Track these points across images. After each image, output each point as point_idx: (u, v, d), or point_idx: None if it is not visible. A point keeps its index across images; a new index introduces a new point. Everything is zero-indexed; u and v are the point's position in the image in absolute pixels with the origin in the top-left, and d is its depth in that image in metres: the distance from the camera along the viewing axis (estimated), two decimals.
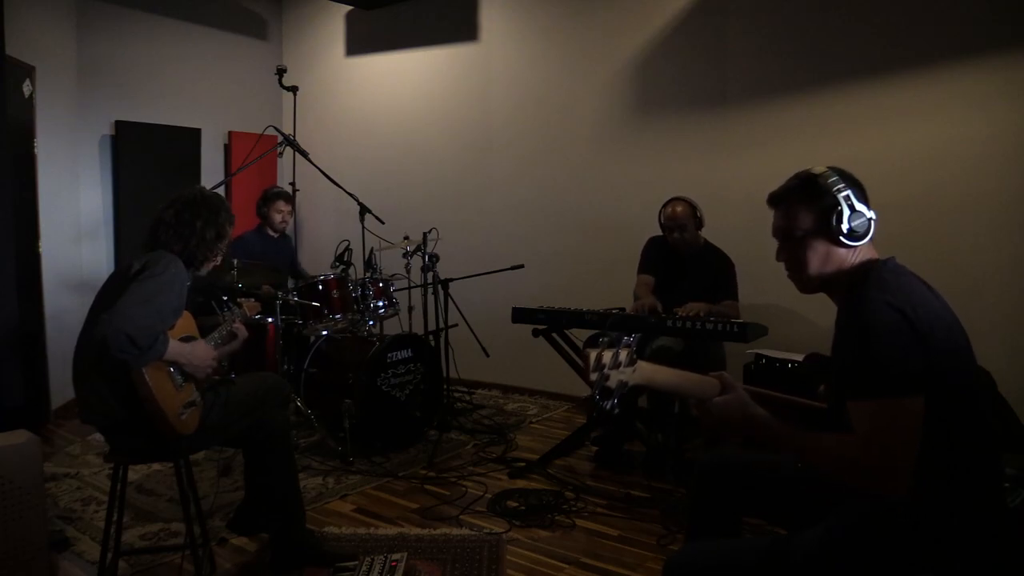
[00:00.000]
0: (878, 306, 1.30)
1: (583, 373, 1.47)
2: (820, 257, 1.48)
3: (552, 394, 4.84)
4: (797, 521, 1.51)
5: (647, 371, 1.50)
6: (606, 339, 1.49)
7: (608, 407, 1.47)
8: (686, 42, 4.28)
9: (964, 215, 3.44)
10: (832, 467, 1.33)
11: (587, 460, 3.64)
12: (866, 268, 1.44)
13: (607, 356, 1.45)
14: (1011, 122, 3.32)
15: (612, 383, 1.45)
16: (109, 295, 2.15)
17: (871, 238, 1.46)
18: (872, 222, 1.45)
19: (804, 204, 1.49)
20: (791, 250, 1.52)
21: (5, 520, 2.26)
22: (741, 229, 3.73)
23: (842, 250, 1.46)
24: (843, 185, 1.45)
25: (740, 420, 1.46)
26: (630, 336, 1.49)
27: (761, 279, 3.73)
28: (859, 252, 1.47)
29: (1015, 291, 3.33)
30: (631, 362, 1.47)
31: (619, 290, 3.89)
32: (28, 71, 4.12)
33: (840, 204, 1.44)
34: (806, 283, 1.53)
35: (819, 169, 1.49)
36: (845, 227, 1.43)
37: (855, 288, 1.41)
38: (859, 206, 1.44)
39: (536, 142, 4.96)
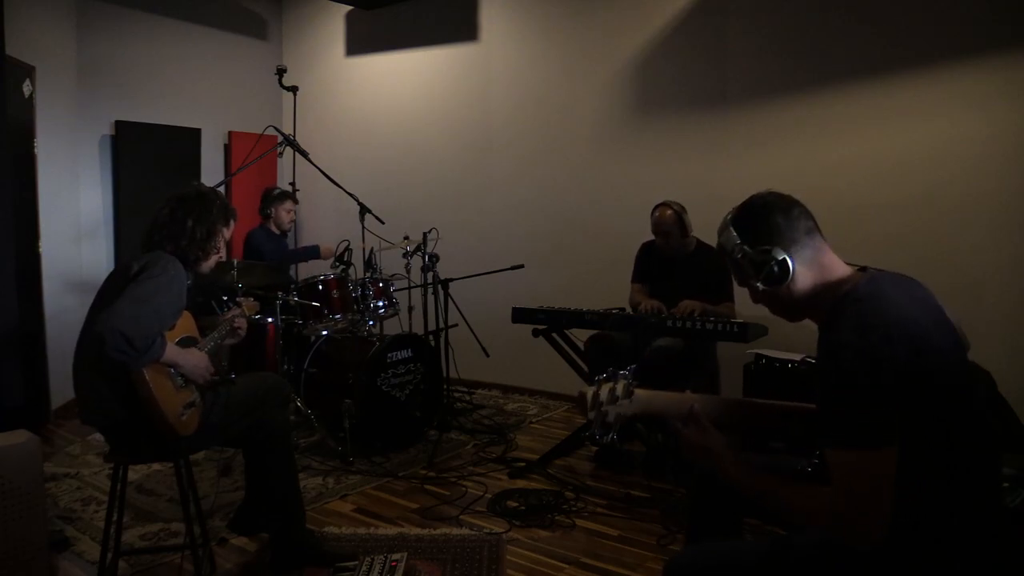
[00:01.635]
0: (849, 351, 1.25)
1: (580, 410, 1.48)
2: (774, 302, 1.47)
3: (552, 394, 4.84)
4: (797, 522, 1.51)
5: (643, 399, 1.51)
6: (601, 376, 1.49)
7: (606, 441, 1.49)
8: (686, 42, 4.28)
9: (964, 215, 3.44)
10: (805, 518, 1.32)
11: (587, 460, 3.64)
12: (835, 294, 1.37)
13: (604, 392, 1.45)
14: (1011, 122, 3.32)
15: (611, 417, 1.46)
16: (108, 295, 2.15)
17: (793, 272, 1.39)
18: (781, 260, 1.38)
19: (728, 265, 1.52)
20: (754, 298, 1.51)
21: (5, 520, 2.26)
22: None
23: (781, 290, 1.41)
24: (739, 242, 1.43)
25: (710, 467, 1.48)
26: (627, 369, 1.50)
27: None
28: (804, 280, 1.40)
29: (1015, 291, 3.33)
30: (628, 394, 1.48)
31: (619, 290, 3.89)
32: (28, 71, 4.12)
33: (740, 264, 1.43)
34: (782, 315, 1.52)
35: (725, 219, 1.47)
36: (758, 285, 1.42)
37: (829, 322, 1.34)
38: (757, 255, 1.40)
39: (536, 142, 4.96)
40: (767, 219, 1.42)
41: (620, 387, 1.47)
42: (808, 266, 1.40)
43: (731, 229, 1.45)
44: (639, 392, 1.50)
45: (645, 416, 1.53)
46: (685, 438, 1.50)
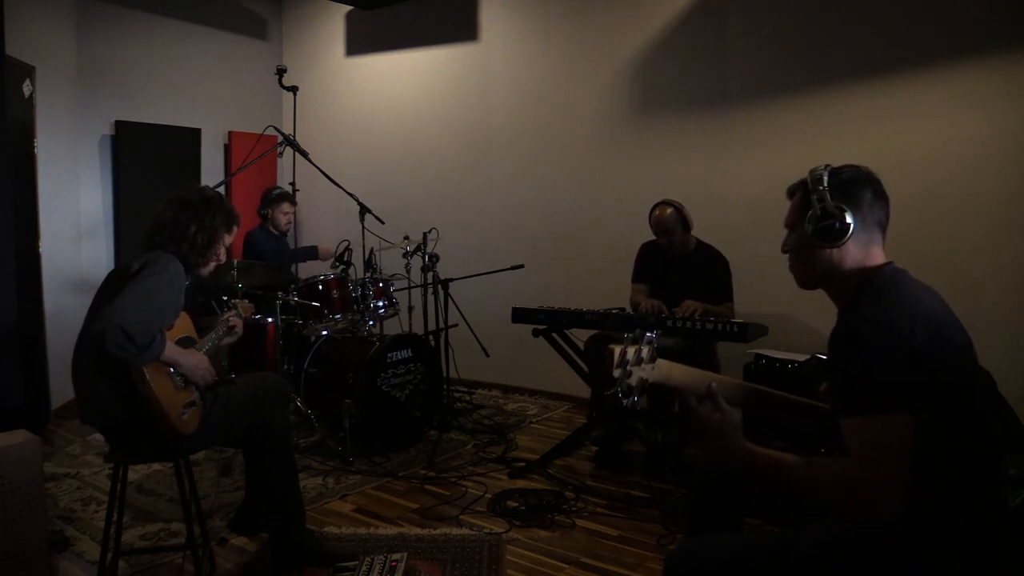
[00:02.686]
0: (870, 325, 1.30)
1: (605, 368, 1.46)
2: (802, 256, 1.49)
3: (552, 394, 4.84)
4: (797, 522, 1.51)
5: (665, 369, 1.50)
6: (630, 335, 1.48)
7: (628, 404, 1.47)
8: (686, 42, 4.28)
9: (964, 215, 3.44)
10: (822, 490, 1.32)
11: (587, 460, 3.64)
12: (862, 277, 1.43)
13: (631, 352, 1.44)
14: (1011, 122, 3.32)
15: (634, 380, 1.45)
16: (108, 294, 2.15)
17: (846, 241, 1.42)
18: (846, 225, 1.42)
19: (797, 200, 1.52)
20: (788, 243, 1.54)
21: (5, 520, 2.26)
22: (741, 229, 3.73)
23: (824, 251, 1.45)
24: (824, 186, 1.44)
25: (723, 450, 1.47)
26: (653, 332, 1.49)
27: (761, 279, 3.73)
28: (848, 255, 1.44)
29: (1015, 291, 3.33)
30: (652, 359, 1.47)
31: (619, 290, 3.89)
32: (28, 71, 4.12)
33: (813, 206, 1.44)
34: (797, 279, 1.55)
35: (818, 168, 1.48)
36: (810, 228, 1.44)
37: (852, 300, 1.40)
38: (833, 207, 1.42)
39: (536, 142, 4.96)
40: (861, 188, 1.46)
41: (646, 351, 1.46)
42: (859, 247, 1.45)
43: (827, 175, 1.46)
44: (662, 362, 1.49)
45: (664, 386, 1.52)
46: (699, 415, 1.49)
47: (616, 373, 1.44)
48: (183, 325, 2.32)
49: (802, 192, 1.51)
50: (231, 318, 2.56)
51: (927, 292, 1.40)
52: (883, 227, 1.48)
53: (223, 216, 2.39)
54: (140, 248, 2.34)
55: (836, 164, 1.51)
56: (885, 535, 1.29)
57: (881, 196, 1.48)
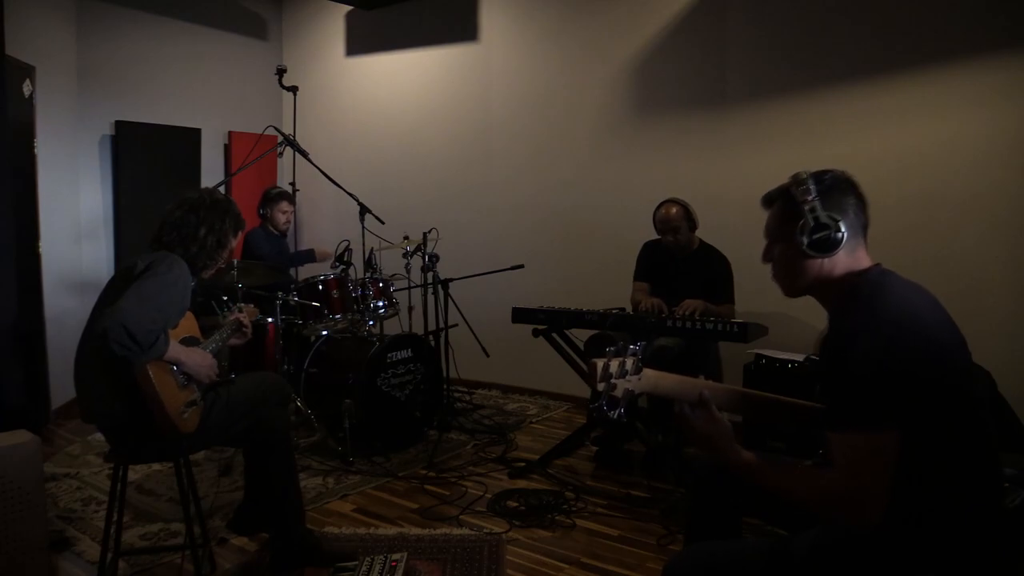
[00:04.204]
0: (859, 335, 1.29)
1: (589, 381, 1.46)
2: (791, 266, 1.47)
3: (552, 394, 4.85)
4: (797, 521, 1.51)
5: (652, 378, 1.50)
6: (612, 348, 1.48)
7: (614, 416, 1.47)
8: (686, 42, 4.28)
9: (964, 215, 3.44)
10: (808, 500, 1.33)
11: (587, 460, 3.64)
12: (850, 283, 1.41)
13: (614, 365, 1.44)
14: (1011, 122, 3.32)
15: (619, 392, 1.45)
16: (113, 293, 2.15)
17: (839, 250, 1.41)
18: (840, 235, 1.39)
19: (779, 210, 1.50)
20: (771, 253, 1.52)
21: (5, 520, 2.26)
22: (740, 229, 3.72)
23: (814, 261, 1.43)
24: (812, 196, 1.41)
25: (714, 454, 1.48)
26: (636, 344, 1.49)
27: (761, 279, 3.68)
28: (837, 263, 1.43)
29: (1015, 291, 3.33)
30: (637, 370, 1.47)
31: (619, 290, 3.89)
32: (28, 71, 4.12)
33: (804, 216, 1.42)
34: (785, 288, 1.53)
35: (800, 175, 1.46)
36: (804, 240, 1.41)
37: (841, 307, 1.40)
38: (826, 218, 1.40)
39: (536, 142, 4.96)
40: (846, 194, 1.45)
41: (630, 362, 1.46)
42: (847, 253, 1.43)
43: (811, 183, 1.43)
44: (648, 372, 1.49)
45: (652, 396, 1.52)
46: (692, 424, 1.50)
47: (600, 387, 1.44)
48: (187, 325, 2.32)
49: (783, 201, 1.48)
50: (241, 318, 2.56)
51: (917, 293, 1.39)
52: (866, 230, 1.47)
53: (232, 219, 2.41)
54: (146, 248, 2.35)
55: (835, 165, 1.51)
56: (882, 537, 1.29)
57: (863, 200, 1.47)
